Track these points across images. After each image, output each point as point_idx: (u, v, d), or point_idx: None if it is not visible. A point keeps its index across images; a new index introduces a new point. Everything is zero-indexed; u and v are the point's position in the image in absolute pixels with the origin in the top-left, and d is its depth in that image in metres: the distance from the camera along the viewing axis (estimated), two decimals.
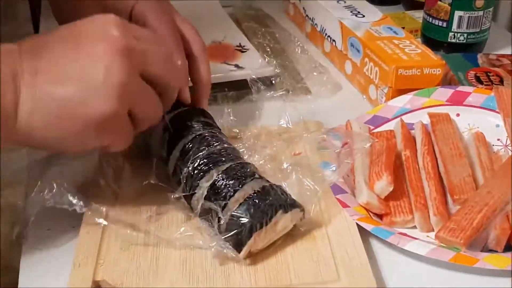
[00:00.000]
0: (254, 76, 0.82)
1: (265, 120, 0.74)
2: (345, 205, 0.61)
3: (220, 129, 0.66)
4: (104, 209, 0.60)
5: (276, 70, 0.87)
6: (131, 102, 0.51)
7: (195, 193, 0.59)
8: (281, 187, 0.58)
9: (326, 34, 0.97)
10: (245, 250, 0.55)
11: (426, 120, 0.74)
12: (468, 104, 0.76)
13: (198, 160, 0.60)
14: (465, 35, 0.96)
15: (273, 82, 0.85)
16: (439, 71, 0.79)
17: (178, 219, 0.61)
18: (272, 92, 0.82)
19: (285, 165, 0.65)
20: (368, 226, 0.59)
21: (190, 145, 0.61)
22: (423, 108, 0.76)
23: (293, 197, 0.58)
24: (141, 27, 0.55)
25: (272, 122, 0.75)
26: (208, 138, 0.62)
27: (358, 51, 0.86)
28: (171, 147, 0.63)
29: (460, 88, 0.78)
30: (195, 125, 0.64)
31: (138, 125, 0.55)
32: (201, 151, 0.60)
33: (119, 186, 0.64)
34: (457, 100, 0.76)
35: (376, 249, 0.60)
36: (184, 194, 0.60)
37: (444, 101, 0.76)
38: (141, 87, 0.51)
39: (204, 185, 0.59)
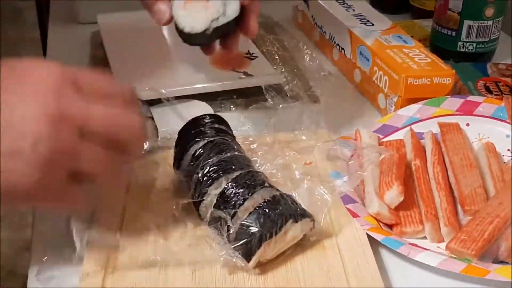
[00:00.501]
0: (262, 84, 0.82)
1: (274, 129, 0.74)
2: (355, 215, 0.61)
3: (234, 137, 0.66)
4: (113, 217, 0.60)
5: (285, 78, 0.87)
6: (69, 164, 0.45)
7: (204, 200, 0.59)
8: (291, 196, 0.58)
9: (335, 42, 0.96)
10: (254, 260, 0.54)
11: (436, 130, 0.73)
12: (478, 114, 0.75)
13: (208, 167, 0.59)
14: (474, 44, 0.95)
15: (282, 90, 0.85)
16: (449, 80, 0.79)
17: (187, 227, 0.60)
18: (280, 100, 0.82)
19: (296, 174, 0.65)
20: (379, 236, 0.59)
21: (201, 151, 0.61)
22: (433, 117, 0.76)
23: (304, 206, 0.58)
24: (94, 75, 0.50)
25: (281, 131, 0.74)
26: (219, 145, 0.61)
27: (367, 59, 0.86)
28: (182, 152, 0.63)
29: (470, 98, 0.77)
30: (208, 131, 0.64)
31: (96, 181, 0.49)
32: (211, 158, 0.60)
33: (127, 195, 0.64)
34: (467, 110, 0.76)
35: (386, 259, 0.60)
36: (193, 200, 0.60)
37: (454, 110, 0.76)
38: (78, 147, 0.45)
39: (212, 193, 0.58)
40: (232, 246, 0.55)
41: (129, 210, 0.62)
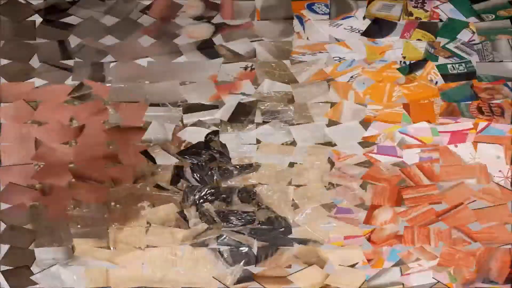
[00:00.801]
0: (261, 102, 0.82)
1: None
2: (349, 237, 0.62)
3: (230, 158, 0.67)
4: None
5: (282, 97, 0.88)
6: None
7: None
8: (287, 218, 0.59)
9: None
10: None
11: (427, 151, 0.75)
12: (469, 135, 0.77)
13: (206, 190, 0.61)
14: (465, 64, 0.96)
15: (279, 110, 0.86)
16: (440, 100, 0.80)
17: (184, 250, 0.61)
18: (277, 119, 0.82)
19: (292, 195, 0.66)
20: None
21: (198, 176, 0.62)
22: (424, 138, 0.77)
23: (300, 226, 0.59)
24: None
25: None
26: (214, 172, 0.63)
27: (363, 83, 0.87)
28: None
29: (461, 119, 0.79)
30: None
31: None
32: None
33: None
34: (459, 131, 0.77)
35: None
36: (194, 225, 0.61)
37: (445, 131, 0.77)
38: None
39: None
40: (228, 268, 0.56)
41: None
